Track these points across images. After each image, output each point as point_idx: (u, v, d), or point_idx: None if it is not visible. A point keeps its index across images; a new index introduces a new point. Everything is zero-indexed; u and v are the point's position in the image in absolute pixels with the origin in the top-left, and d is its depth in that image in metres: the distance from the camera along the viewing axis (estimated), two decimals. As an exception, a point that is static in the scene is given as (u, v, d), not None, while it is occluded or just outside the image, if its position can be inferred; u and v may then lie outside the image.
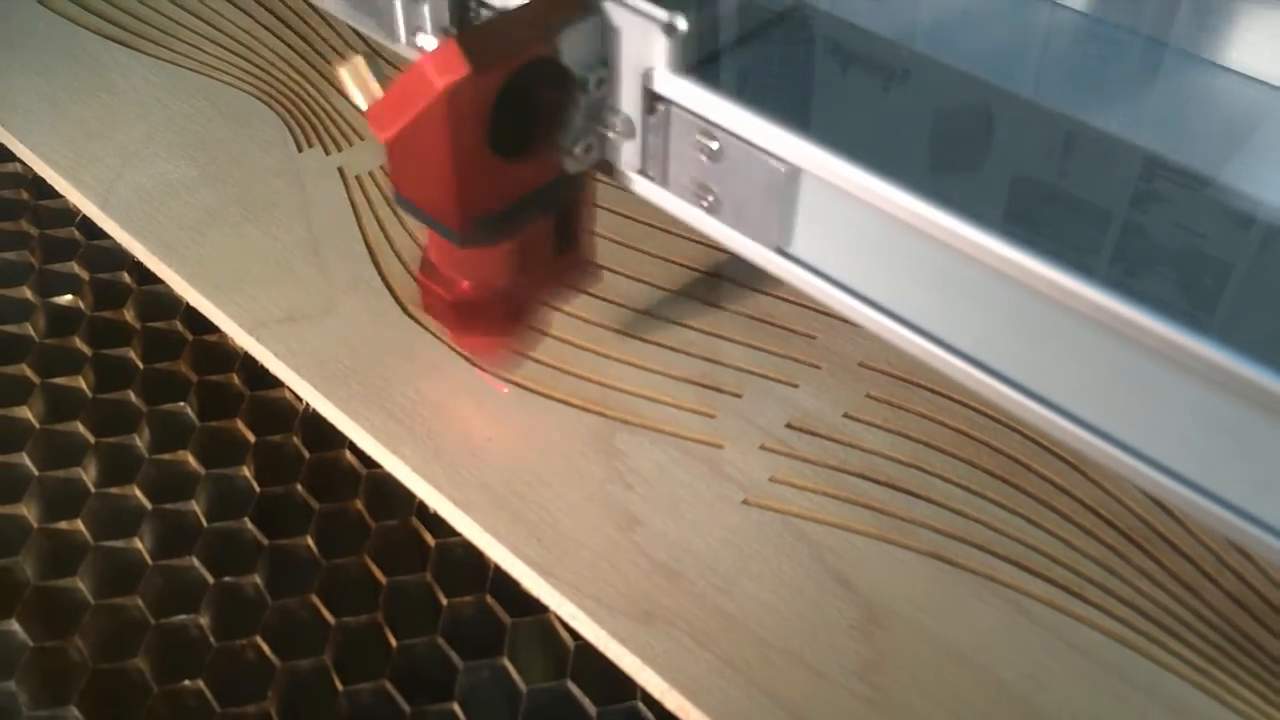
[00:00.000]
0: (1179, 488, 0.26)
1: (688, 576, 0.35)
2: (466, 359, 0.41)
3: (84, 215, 0.49)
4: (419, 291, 0.37)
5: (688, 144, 0.31)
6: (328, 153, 0.50)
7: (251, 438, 0.41)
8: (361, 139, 0.50)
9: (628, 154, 0.33)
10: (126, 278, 0.47)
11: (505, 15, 0.30)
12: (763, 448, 0.38)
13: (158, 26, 0.56)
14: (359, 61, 0.32)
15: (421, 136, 0.30)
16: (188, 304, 0.45)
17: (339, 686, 0.34)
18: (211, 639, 0.35)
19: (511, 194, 0.32)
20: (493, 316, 0.36)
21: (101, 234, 0.48)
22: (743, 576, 0.35)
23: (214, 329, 0.44)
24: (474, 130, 0.30)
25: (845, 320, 0.30)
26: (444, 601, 0.36)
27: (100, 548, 0.37)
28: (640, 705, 0.34)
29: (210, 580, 0.37)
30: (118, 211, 0.47)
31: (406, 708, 0.34)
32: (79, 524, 0.38)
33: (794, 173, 0.29)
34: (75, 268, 0.47)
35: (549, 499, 0.37)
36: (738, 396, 0.40)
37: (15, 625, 0.35)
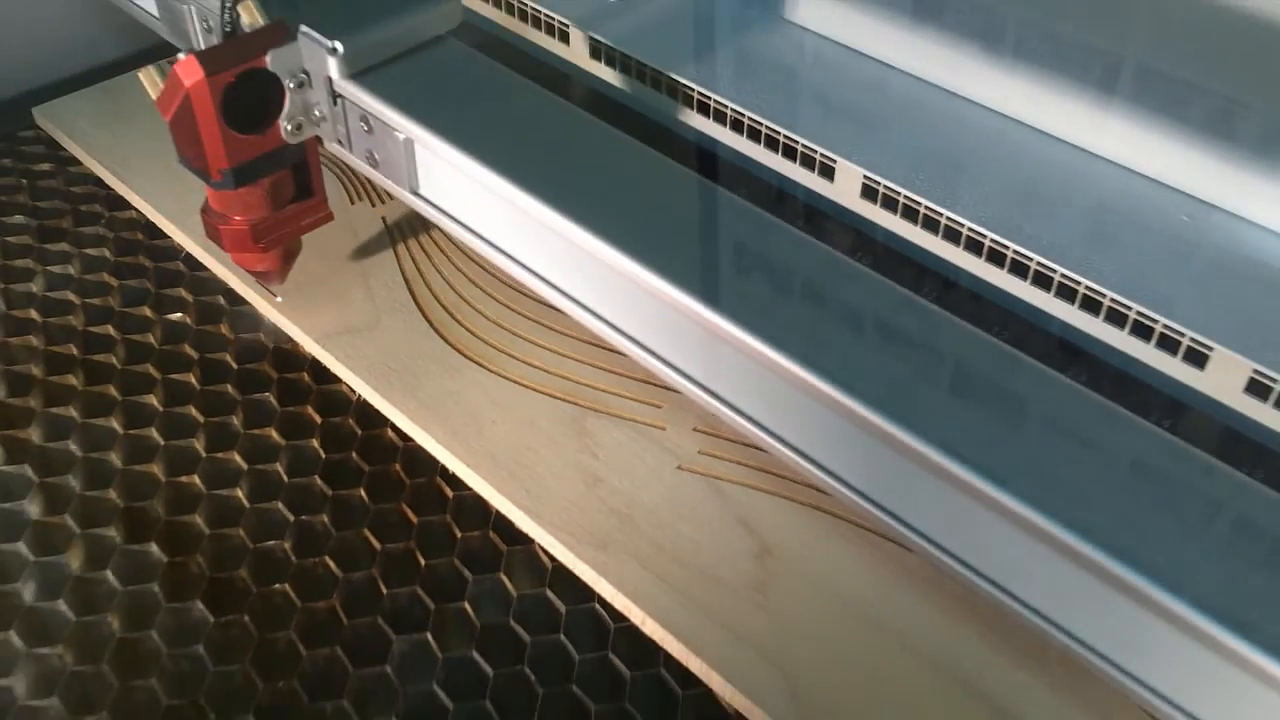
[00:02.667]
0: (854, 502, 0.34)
1: (635, 519, 0.45)
2: (478, 363, 0.51)
3: (187, 252, 0.58)
4: (203, 225, 0.49)
5: (357, 123, 0.44)
6: (373, 205, 0.59)
7: (318, 419, 0.50)
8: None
9: (325, 130, 0.46)
10: (222, 300, 0.56)
11: (234, 39, 0.43)
12: (695, 429, 0.49)
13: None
14: (151, 70, 0.44)
15: (181, 117, 0.42)
16: (269, 320, 0.55)
17: (384, 591, 0.44)
18: (293, 558, 0.45)
19: (248, 155, 0.45)
20: (255, 241, 0.48)
21: (201, 267, 0.57)
22: (675, 520, 0.45)
23: (290, 340, 0.53)
24: (213, 113, 0.42)
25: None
26: (458, 535, 0.45)
27: (211, 495, 0.47)
28: (597, 606, 0.43)
29: (291, 519, 0.46)
30: (213, 251, 0.56)
31: (431, 605, 0.43)
32: (195, 479, 0.47)
33: (410, 142, 0.42)
34: (182, 293, 0.56)
35: (536, 464, 0.47)
36: (678, 392, 0.50)
37: (154, 547, 0.45)
